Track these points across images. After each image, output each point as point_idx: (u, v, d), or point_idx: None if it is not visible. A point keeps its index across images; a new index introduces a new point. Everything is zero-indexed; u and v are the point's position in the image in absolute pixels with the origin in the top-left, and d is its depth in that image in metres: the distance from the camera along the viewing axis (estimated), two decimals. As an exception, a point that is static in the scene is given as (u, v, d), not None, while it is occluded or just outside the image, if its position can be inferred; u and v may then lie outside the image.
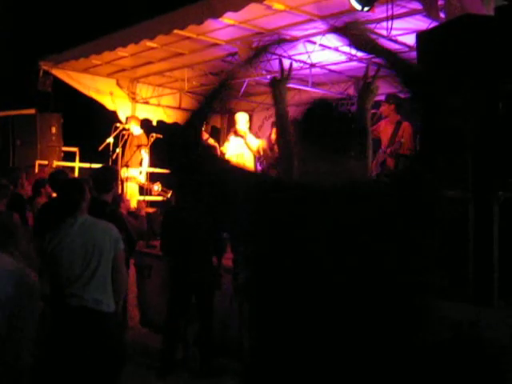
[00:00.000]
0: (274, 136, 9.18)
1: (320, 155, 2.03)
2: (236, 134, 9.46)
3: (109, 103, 11.47)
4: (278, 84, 3.00)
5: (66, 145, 10.92)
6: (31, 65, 10.34)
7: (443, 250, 4.54)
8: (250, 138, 9.42)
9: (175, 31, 7.72)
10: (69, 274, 4.14)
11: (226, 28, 8.13)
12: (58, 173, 6.95)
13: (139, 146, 10.32)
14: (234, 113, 13.42)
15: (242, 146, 9.33)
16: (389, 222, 1.89)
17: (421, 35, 4.99)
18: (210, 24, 7.64)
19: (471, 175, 4.39)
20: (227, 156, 9.26)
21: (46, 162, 10.28)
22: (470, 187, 4.40)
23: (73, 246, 4.16)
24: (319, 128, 2.07)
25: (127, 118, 10.93)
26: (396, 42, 8.09)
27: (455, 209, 4.53)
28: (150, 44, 8.81)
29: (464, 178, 4.44)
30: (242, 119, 9.47)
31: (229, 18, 7.55)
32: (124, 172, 10.05)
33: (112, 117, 11.19)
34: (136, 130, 10.49)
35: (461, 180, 4.49)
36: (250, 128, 13.42)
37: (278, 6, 7.06)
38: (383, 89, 10.34)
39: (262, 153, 9.40)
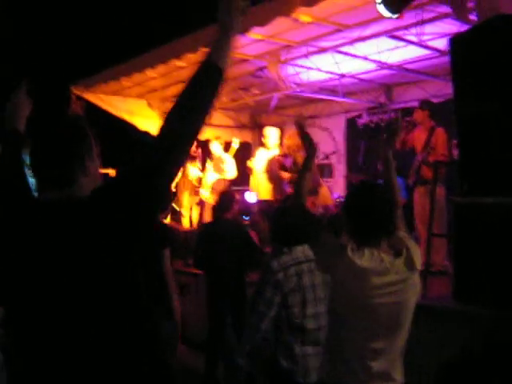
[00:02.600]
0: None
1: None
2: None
3: (140, 124, 11.55)
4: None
5: (103, 168, 11.00)
6: (62, 90, 10.46)
7: (488, 259, 4.42)
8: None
9: (202, 49, 7.73)
10: None
11: (253, 43, 8.12)
12: None
13: None
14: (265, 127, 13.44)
15: None
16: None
17: (454, 40, 4.91)
18: (238, 39, 7.61)
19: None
20: (256, 171, 9.03)
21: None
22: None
23: None
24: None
25: None
26: (427, 47, 7.99)
27: (498, 216, 4.40)
28: (178, 63, 8.83)
29: (507, 183, 4.33)
30: (272, 134, 9.24)
31: (256, 33, 7.53)
32: None
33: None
34: None
35: (503, 184, 4.38)
36: (281, 142, 13.40)
37: (304, 18, 7.01)
38: (416, 94, 10.31)
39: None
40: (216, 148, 10.05)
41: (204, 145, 11.20)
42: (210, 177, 10.02)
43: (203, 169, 10.57)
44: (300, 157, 8.16)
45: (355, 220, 2.70)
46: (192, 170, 10.38)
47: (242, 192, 10.05)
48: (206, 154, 10.76)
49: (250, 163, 9.37)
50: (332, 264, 2.68)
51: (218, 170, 10.03)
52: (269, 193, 8.83)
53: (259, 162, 9.14)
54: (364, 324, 2.61)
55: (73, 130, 1.95)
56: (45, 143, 1.91)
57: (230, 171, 9.90)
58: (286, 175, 8.42)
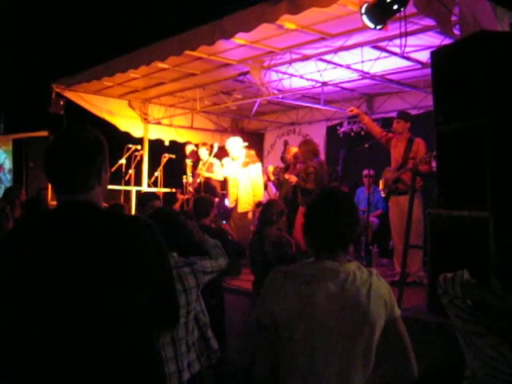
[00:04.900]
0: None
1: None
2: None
3: (121, 124, 11.50)
4: None
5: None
6: (44, 87, 10.38)
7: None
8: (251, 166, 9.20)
9: (186, 52, 7.71)
10: None
11: (237, 48, 8.11)
12: None
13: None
14: (247, 132, 13.46)
15: (238, 172, 9.14)
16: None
17: (436, 53, 4.95)
18: (222, 44, 7.61)
19: (490, 194, 4.32)
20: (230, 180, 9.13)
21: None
22: (489, 206, 4.32)
23: None
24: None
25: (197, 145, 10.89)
26: (409, 58, 8.05)
27: (472, 228, 4.44)
28: (161, 65, 8.80)
29: (482, 197, 4.37)
30: (233, 146, 9.22)
31: (240, 38, 7.53)
32: None
33: (124, 138, 11.20)
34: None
35: (478, 198, 4.42)
36: (263, 147, 13.44)
37: (289, 26, 7.03)
38: (397, 105, 10.33)
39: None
40: (204, 153, 10.05)
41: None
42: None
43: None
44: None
45: (314, 231, 2.47)
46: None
47: (222, 196, 10.04)
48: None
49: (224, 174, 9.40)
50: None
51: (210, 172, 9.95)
52: (235, 201, 9.04)
53: (228, 171, 9.23)
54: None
55: (94, 142, 2.08)
56: (68, 152, 2.02)
57: (220, 173, 9.86)
58: (293, 179, 8.51)
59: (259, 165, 9.36)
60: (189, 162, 10.36)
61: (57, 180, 2.04)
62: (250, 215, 8.95)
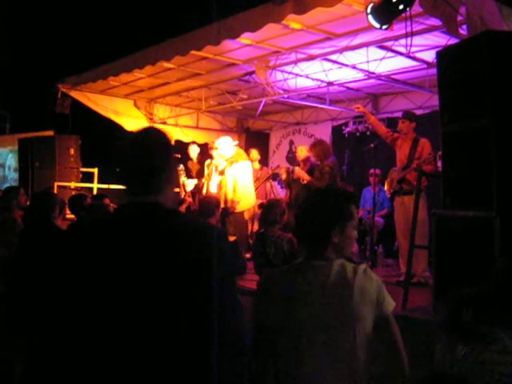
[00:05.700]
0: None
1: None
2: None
3: (127, 124, 11.50)
4: None
5: (84, 166, 10.94)
6: (49, 87, 10.40)
7: (467, 270, 4.44)
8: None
9: (192, 52, 7.71)
10: None
11: (242, 48, 8.11)
12: (77, 196, 6.85)
13: None
14: (252, 132, 13.45)
15: (226, 171, 8.87)
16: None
17: (441, 53, 4.94)
18: (227, 44, 7.62)
19: (495, 194, 4.30)
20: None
21: (64, 184, 10.31)
22: (495, 206, 4.30)
23: None
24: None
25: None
26: (414, 58, 8.04)
27: (478, 229, 4.43)
28: (166, 65, 8.81)
29: (488, 197, 4.36)
30: (223, 146, 8.90)
31: (246, 38, 7.53)
32: None
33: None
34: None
35: (484, 199, 4.40)
36: (268, 146, 13.42)
37: (294, 25, 7.03)
38: (402, 105, 10.30)
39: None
40: (216, 154, 9.98)
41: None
42: (215, 179, 9.79)
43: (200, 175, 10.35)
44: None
45: (297, 226, 2.54)
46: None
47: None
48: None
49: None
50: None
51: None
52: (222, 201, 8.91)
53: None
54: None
55: (163, 144, 2.07)
56: (138, 156, 2.01)
57: None
58: (306, 177, 8.63)
59: (245, 163, 8.87)
60: (181, 168, 10.36)
61: (128, 182, 2.03)
62: (245, 215, 8.81)
